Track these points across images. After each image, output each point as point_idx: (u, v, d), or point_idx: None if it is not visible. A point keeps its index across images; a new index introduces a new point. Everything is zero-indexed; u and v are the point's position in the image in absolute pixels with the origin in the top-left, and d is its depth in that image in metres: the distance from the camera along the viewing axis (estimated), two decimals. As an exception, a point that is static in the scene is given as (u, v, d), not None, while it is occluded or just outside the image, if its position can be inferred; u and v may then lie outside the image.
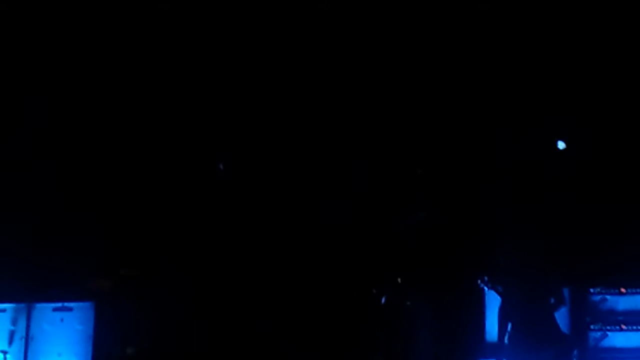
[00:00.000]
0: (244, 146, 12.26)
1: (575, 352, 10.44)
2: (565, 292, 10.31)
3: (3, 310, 12.52)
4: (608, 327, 11.10)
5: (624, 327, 11.10)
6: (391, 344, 11.29)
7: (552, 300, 9.99)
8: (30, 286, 12.40)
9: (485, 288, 10.72)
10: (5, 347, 12.27)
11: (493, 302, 11.00)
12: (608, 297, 11.17)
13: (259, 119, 12.00)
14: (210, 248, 12.14)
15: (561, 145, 11.53)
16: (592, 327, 11.09)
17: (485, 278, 10.44)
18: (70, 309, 12.37)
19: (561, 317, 10.18)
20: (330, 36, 11.47)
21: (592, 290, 11.18)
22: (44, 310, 12.43)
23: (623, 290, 11.19)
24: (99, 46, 11.85)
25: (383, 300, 11.30)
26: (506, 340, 9.96)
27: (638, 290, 11.19)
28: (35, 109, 12.21)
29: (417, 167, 11.73)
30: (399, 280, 11.35)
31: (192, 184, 12.31)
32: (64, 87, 12.14)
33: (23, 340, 12.39)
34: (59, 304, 12.37)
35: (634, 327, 11.09)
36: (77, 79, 12.08)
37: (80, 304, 12.33)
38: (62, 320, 12.37)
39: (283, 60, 11.71)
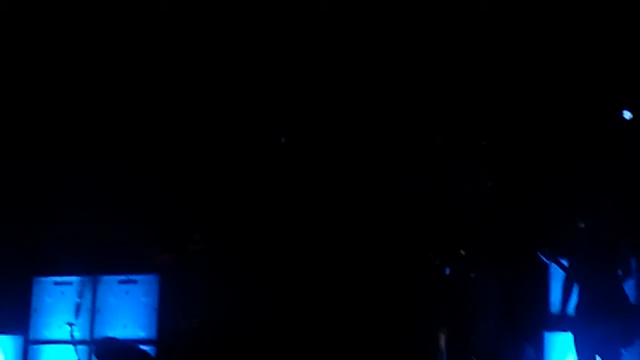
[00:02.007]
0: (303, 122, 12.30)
1: None
2: (633, 263, 10.17)
3: (69, 283, 12.67)
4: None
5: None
6: (455, 316, 11.27)
7: (620, 272, 9.88)
8: (95, 259, 12.55)
9: (545, 259, 10.65)
10: (72, 320, 12.43)
11: (558, 273, 10.97)
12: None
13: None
14: (273, 225, 12.18)
15: (627, 114, 11.41)
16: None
17: (548, 251, 10.37)
18: (135, 282, 12.49)
19: (629, 288, 10.07)
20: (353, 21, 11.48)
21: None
22: (110, 283, 12.55)
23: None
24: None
25: (447, 272, 11.27)
26: (572, 313, 9.88)
27: None
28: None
29: (482, 139, 11.66)
30: (463, 252, 11.31)
31: (258, 163, 12.35)
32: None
33: (89, 312, 12.54)
34: (124, 277, 12.51)
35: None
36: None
37: (145, 276, 12.46)
38: (127, 292, 12.49)
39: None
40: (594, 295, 9.76)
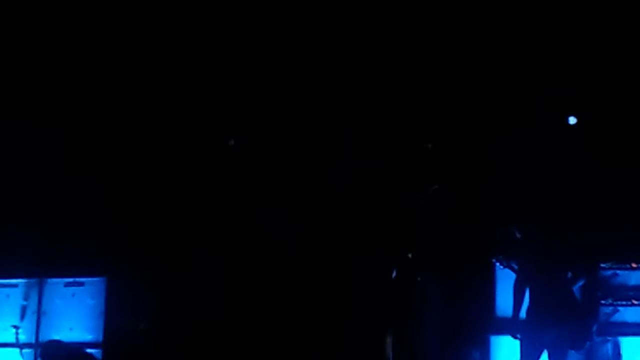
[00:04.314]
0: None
1: (594, 327, 10.36)
2: (581, 266, 10.22)
3: (15, 286, 12.59)
4: (619, 302, 11.07)
5: (635, 302, 11.06)
6: (401, 320, 11.29)
7: (570, 275, 9.92)
8: (41, 261, 12.46)
9: (499, 264, 10.71)
10: (17, 322, 12.35)
11: (503, 277, 11.03)
12: (619, 272, 11.13)
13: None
14: (225, 224, 12.14)
15: (572, 120, 11.47)
16: (603, 302, 11.04)
17: (500, 255, 10.41)
18: (82, 284, 12.42)
19: (577, 291, 10.11)
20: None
21: (603, 265, 11.12)
22: (56, 286, 12.49)
23: (634, 265, 11.13)
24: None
25: (393, 275, 11.29)
26: (522, 316, 9.91)
27: (650, 265, 11.16)
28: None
29: (427, 142, 11.68)
30: (409, 255, 11.33)
31: (206, 161, 12.31)
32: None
33: (35, 315, 12.46)
34: (71, 279, 12.44)
35: (646, 302, 11.07)
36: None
37: (92, 279, 12.38)
38: (73, 295, 12.42)
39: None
40: (544, 298, 9.82)
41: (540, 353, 9.83)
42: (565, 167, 11.36)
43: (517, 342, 9.96)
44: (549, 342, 9.78)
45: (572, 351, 10.01)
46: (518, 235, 10.18)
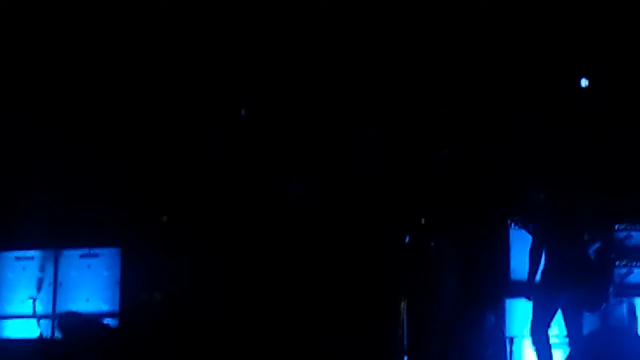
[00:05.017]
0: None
1: (610, 288, 10.33)
2: (598, 227, 10.17)
3: (31, 258, 12.64)
4: (633, 264, 11.05)
5: (650, 263, 11.05)
6: (416, 285, 11.29)
7: (585, 237, 9.90)
8: (57, 233, 12.51)
9: (514, 226, 10.65)
10: (34, 294, 12.41)
11: (518, 239, 11.02)
12: (633, 233, 11.10)
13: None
14: (241, 194, 12.17)
15: (584, 82, 11.43)
16: (617, 263, 11.01)
17: (516, 217, 10.37)
18: (96, 255, 12.47)
19: (593, 253, 10.08)
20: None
21: (617, 226, 11.09)
22: (71, 257, 12.54)
23: (649, 226, 11.11)
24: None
25: (407, 240, 11.27)
26: (538, 279, 9.90)
27: (664, 226, 11.12)
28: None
29: (440, 107, 11.66)
30: (423, 220, 11.32)
31: (223, 140, 12.33)
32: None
33: (51, 286, 12.51)
34: (86, 251, 12.49)
35: (660, 263, 11.05)
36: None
37: (107, 250, 12.44)
38: (89, 266, 12.47)
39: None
40: (560, 260, 9.77)
41: (554, 315, 9.80)
42: (580, 129, 11.30)
43: (531, 305, 9.94)
44: (563, 304, 9.75)
45: (587, 313, 9.99)
46: (535, 198, 10.13)
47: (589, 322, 10.26)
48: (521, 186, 10.52)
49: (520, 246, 10.68)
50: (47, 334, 12.10)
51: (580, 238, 9.86)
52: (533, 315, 9.84)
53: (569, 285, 9.71)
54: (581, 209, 9.95)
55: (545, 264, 9.85)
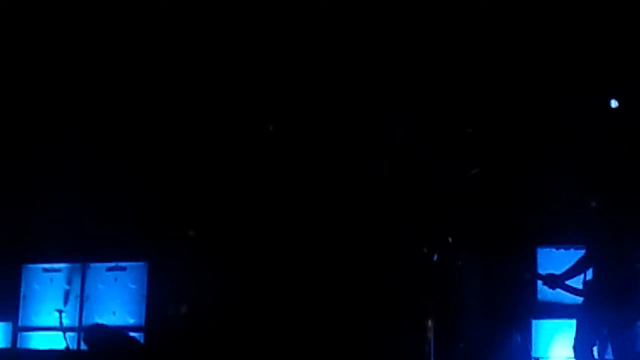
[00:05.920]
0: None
1: None
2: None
3: (58, 270, 12.72)
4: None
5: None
6: (442, 304, 11.26)
7: (634, 257, 9.76)
8: (84, 246, 12.56)
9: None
10: (61, 306, 12.46)
11: (545, 262, 11.01)
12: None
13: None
14: (266, 209, 12.18)
15: (614, 103, 11.37)
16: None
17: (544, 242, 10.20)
18: (124, 269, 12.53)
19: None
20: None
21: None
22: (98, 270, 12.60)
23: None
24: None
25: (434, 259, 11.26)
26: (583, 298, 9.80)
27: None
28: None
29: (467, 126, 11.65)
30: (450, 239, 11.30)
31: (247, 153, 12.34)
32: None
33: (78, 299, 12.59)
34: (113, 264, 12.54)
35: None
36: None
37: (134, 263, 12.48)
38: (116, 279, 12.53)
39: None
40: (609, 279, 9.68)
41: (599, 335, 9.72)
42: (621, 150, 11.19)
43: (567, 325, 9.83)
44: (610, 325, 9.68)
45: (633, 334, 9.87)
46: (591, 216, 9.99)
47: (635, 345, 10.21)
48: (550, 210, 10.45)
49: (547, 266, 10.67)
50: (73, 346, 12.18)
51: (628, 257, 9.79)
52: (577, 335, 9.73)
53: (616, 305, 9.65)
54: (629, 228, 9.86)
55: (592, 281, 9.80)
